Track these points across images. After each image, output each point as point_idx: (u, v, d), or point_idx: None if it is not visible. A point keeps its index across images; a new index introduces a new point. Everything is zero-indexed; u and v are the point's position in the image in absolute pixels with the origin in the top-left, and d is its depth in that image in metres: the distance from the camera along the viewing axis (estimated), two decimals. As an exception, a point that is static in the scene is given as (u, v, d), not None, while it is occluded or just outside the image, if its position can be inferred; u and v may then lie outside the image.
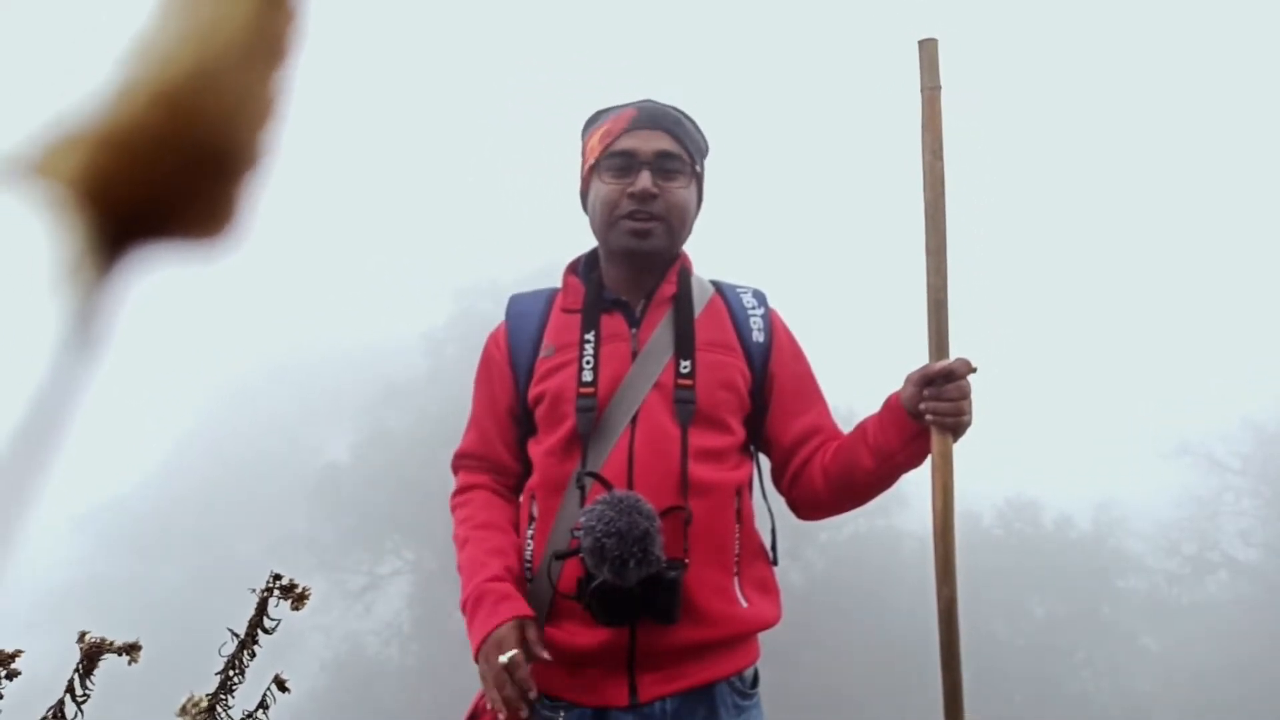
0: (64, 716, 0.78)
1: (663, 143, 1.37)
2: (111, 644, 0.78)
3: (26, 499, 0.17)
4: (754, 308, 1.47)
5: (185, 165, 0.19)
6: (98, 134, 0.18)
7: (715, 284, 1.50)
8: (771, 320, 1.48)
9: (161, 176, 0.19)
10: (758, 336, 1.44)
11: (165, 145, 0.18)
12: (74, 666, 0.78)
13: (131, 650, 0.79)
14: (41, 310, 0.18)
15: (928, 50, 1.28)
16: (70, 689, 0.78)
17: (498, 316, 1.54)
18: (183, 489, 21.65)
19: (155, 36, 0.19)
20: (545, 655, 1.22)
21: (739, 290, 1.50)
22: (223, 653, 0.90)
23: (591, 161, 1.41)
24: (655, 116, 1.39)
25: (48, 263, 0.18)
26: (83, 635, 0.79)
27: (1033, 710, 15.91)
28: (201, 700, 0.82)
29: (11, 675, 0.82)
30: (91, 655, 0.78)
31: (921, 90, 1.28)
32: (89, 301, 0.18)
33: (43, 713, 0.82)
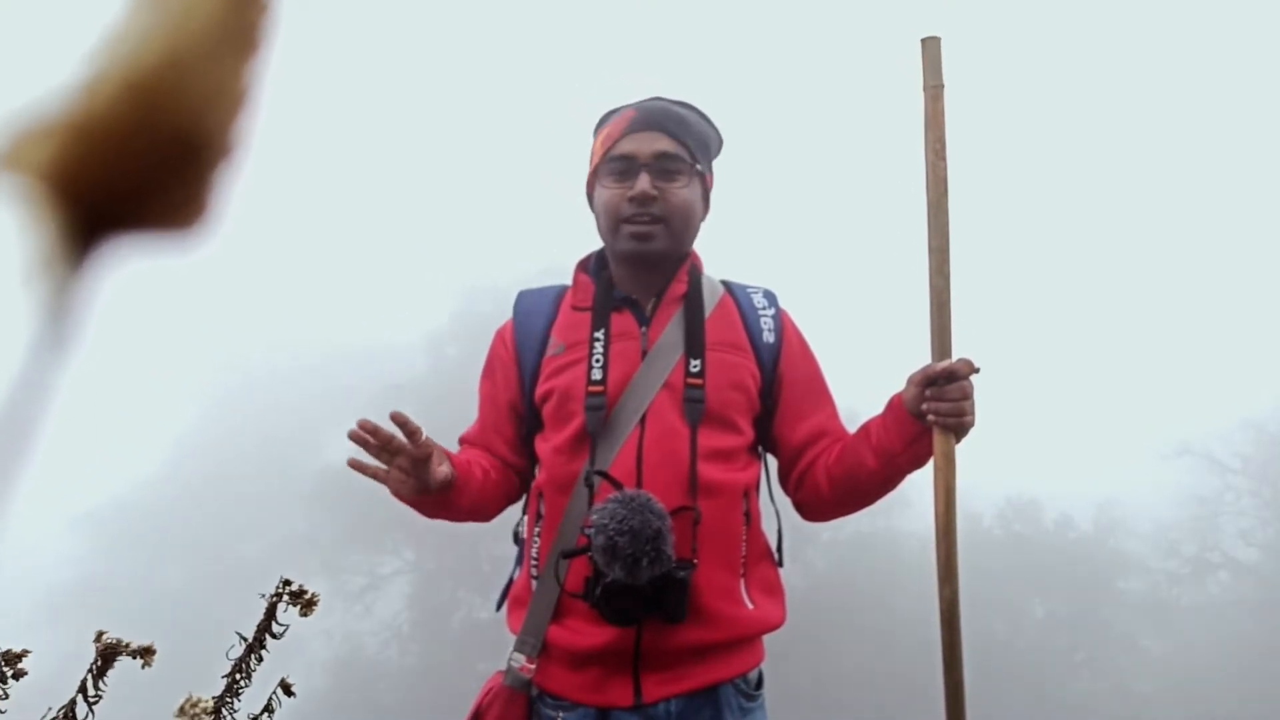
0: (75, 716, 0.79)
1: (661, 143, 1.37)
2: (128, 645, 0.77)
3: (5, 498, 0.17)
4: (764, 308, 1.47)
5: (157, 156, 0.18)
6: (68, 124, 0.18)
7: (726, 284, 1.50)
8: (782, 321, 1.48)
9: (133, 167, 0.18)
10: (768, 337, 1.44)
11: (137, 135, 0.18)
12: (88, 666, 0.78)
13: (146, 653, 0.79)
14: (13, 305, 0.17)
15: (930, 49, 1.28)
16: (83, 689, 0.78)
17: (499, 317, 1.54)
18: (182, 489, 21.62)
19: (128, 25, 0.18)
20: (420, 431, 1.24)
21: (749, 290, 1.50)
22: (229, 656, 0.90)
23: (594, 166, 1.43)
24: (654, 117, 1.39)
25: (18, 256, 0.17)
26: (99, 635, 0.79)
27: (1032, 711, 15.89)
28: (201, 702, 0.82)
29: (19, 675, 0.82)
30: (107, 655, 0.77)
31: (924, 89, 1.28)
32: (61, 296, 0.18)
33: (40, 713, 0.82)
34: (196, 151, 0.19)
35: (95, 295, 0.18)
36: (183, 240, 0.20)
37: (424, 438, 1.25)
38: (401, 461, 1.25)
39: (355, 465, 1.27)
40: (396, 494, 1.30)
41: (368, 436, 1.24)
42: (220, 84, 0.19)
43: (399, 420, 1.23)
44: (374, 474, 1.27)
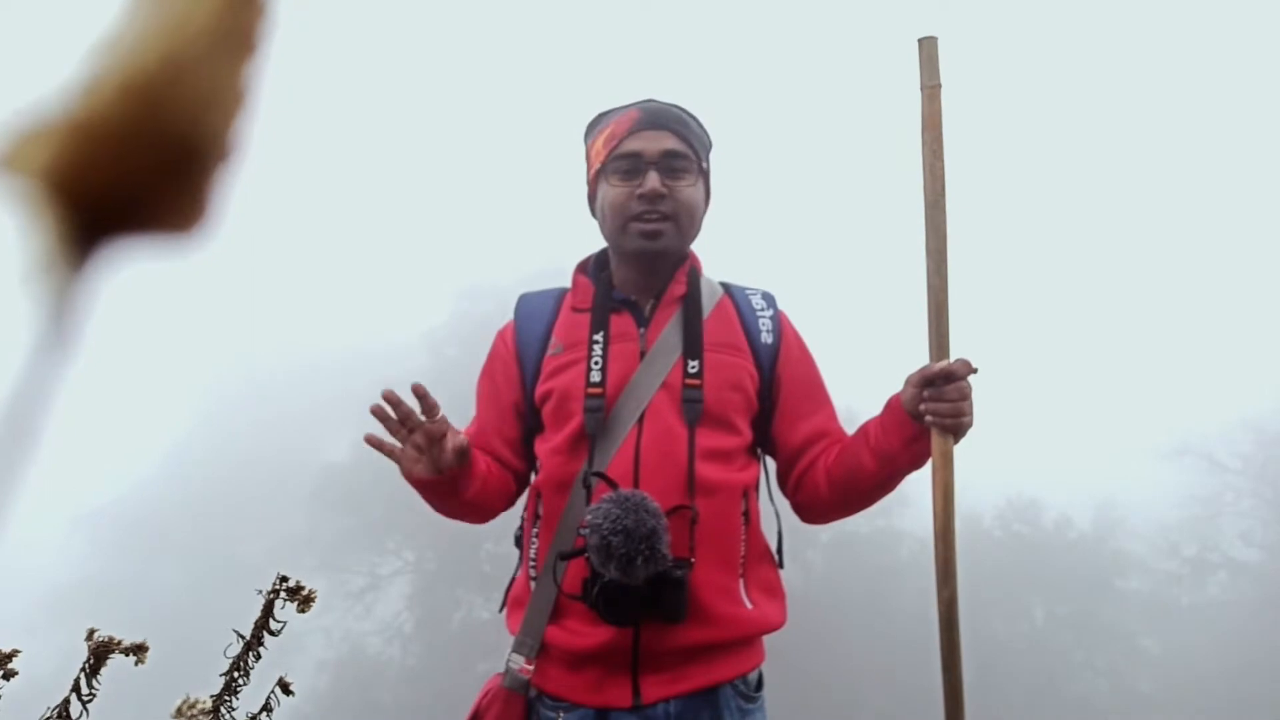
0: (69, 715, 0.78)
1: (668, 142, 1.38)
2: (119, 643, 0.77)
3: (6, 499, 0.17)
4: (763, 309, 1.47)
5: (156, 157, 0.18)
6: (68, 126, 0.18)
7: (724, 285, 1.50)
8: (780, 322, 1.48)
9: (132, 169, 0.18)
10: (766, 338, 1.44)
11: (136, 137, 0.18)
12: (81, 665, 0.78)
13: (139, 651, 0.79)
14: (13, 307, 0.17)
15: (927, 48, 1.28)
16: (76, 687, 0.78)
17: (499, 317, 1.54)
18: (182, 489, 21.61)
19: (125, 27, 0.18)
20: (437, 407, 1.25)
21: (748, 292, 1.50)
22: (228, 654, 0.89)
23: (597, 166, 1.41)
24: (659, 116, 1.39)
25: (18, 258, 0.17)
26: (91, 633, 0.79)
27: (1032, 711, 15.88)
28: (198, 703, 0.82)
29: (9, 675, 0.82)
30: (99, 654, 0.77)
31: (921, 88, 1.28)
32: (61, 298, 0.18)
33: (40, 713, 0.82)
34: (195, 153, 0.19)
35: (95, 297, 0.18)
36: (182, 243, 0.20)
37: (440, 415, 1.25)
38: (417, 439, 1.25)
39: (372, 441, 1.26)
40: (408, 474, 1.29)
41: (389, 410, 1.24)
42: (218, 86, 0.19)
43: (419, 393, 1.23)
44: (389, 452, 1.27)
